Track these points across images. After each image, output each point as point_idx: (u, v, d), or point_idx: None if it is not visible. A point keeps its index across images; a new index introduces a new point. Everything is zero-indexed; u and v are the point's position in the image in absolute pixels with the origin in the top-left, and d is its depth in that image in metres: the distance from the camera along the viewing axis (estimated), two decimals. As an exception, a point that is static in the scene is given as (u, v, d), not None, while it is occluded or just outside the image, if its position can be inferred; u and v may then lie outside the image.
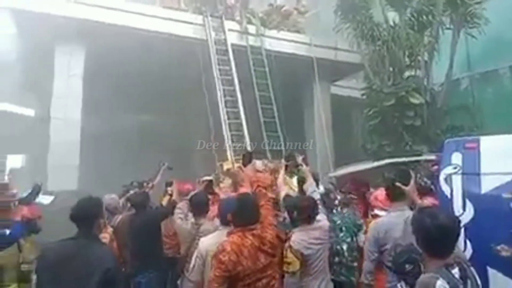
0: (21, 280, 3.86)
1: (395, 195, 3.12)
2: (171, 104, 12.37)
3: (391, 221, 3.11)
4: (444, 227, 1.88)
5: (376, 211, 3.91)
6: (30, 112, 14.27)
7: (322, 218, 3.46)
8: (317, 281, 3.23)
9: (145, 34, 8.99)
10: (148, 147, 12.02)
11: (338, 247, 3.94)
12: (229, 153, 8.40)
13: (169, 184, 4.65)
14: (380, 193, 3.99)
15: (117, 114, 12.86)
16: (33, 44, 9.12)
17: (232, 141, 8.64)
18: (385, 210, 3.74)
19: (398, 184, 3.14)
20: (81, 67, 9.09)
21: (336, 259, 3.91)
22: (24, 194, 5.11)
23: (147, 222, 4.09)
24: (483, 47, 10.35)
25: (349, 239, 3.99)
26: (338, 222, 4.06)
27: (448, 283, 1.74)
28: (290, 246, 3.16)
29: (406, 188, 3.03)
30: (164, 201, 4.50)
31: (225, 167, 6.19)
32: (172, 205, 4.27)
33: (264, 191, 2.96)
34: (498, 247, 3.24)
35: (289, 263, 3.13)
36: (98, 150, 12.10)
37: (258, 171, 4.21)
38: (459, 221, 2.06)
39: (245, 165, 3.24)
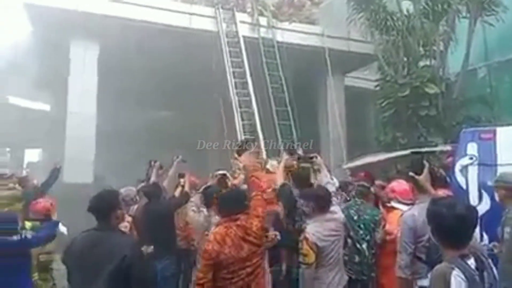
0: (41, 270, 3.98)
1: (419, 187, 3.03)
2: (184, 99, 12.45)
3: (424, 212, 3.06)
4: (462, 217, 1.84)
5: (393, 203, 3.82)
6: (45, 107, 14.54)
7: (337, 210, 3.43)
8: (332, 273, 3.23)
9: (158, 28, 9.04)
10: (162, 142, 12.14)
11: (358, 246, 3.78)
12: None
13: (182, 175, 4.70)
14: (397, 185, 3.91)
15: (131, 110, 13.02)
16: (48, 39, 9.27)
17: (244, 133, 8.66)
18: (403, 203, 3.69)
19: (411, 173, 3.06)
20: (96, 62, 9.20)
21: (357, 258, 3.76)
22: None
23: (161, 211, 4.18)
24: (501, 35, 10.06)
25: (368, 237, 3.82)
26: (355, 217, 3.85)
27: (464, 273, 1.72)
28: (306, 238, 3.15)
29: (419, 178, 2.97)
30: (177, 193, 4.55)
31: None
32: (185, 196, 4.35)
33: (257, 181, 2.98)
34: (491, 245, 3.21)
35: (305, 255, 3.14)
36: (112, 145, 12.29)
37: (268, 171, 4.26)
38: (477, 211, 2.00)
39: (239, 154, 3.20)
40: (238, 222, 2.70)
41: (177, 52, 9.55)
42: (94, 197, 2.56)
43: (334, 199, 3.54)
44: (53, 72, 10.63)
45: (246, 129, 8.77)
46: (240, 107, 8.92)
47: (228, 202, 2.82)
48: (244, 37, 9.77)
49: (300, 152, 4.37)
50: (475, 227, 1.95)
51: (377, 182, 4.92)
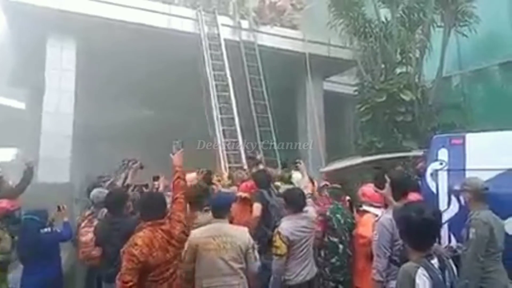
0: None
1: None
2: (166, 99, 12.37)
3: None
4: (429, 221, 2.01)
5: (365, 207, 3.90)
6: (20, 105, 14.17)
7: (310, 210, 3.75)
8: (302, 264, 3.55)
9: (138, 28, 8.96)
10: (142, 142, 12.02)
11: (339, 248, 4.03)
12: (220, 149, 8.44)
13: (156, 178, 4.61)
14: (367, 189, 4.00)
15: (110, 109, 12.83)
16: (24, 36, 9.06)
17: (225, 137, 8.68)
18: (374, 206, 3.80)
19: (374, 188, 3.35)
20: (73, 60, 9.04)
21: (335, 259, 4.02)
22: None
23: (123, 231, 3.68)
24: (474, 45, 10.45)
25: (343, 239, 4.08)
26: (342, 221, 4.11)
27: (428, 272, 1.86)
28: (279, 232, 3.48)
29: (382, 192, 3.13)
30: None
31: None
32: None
33: (182, 182, 3.07)
34: (454, 246, 3.35)
35: (277, 247, 3.46)
36: (91, 145, 12.08)
37: (243, 180, 4.51)
38: (441, 215, 2.16)
39: (249, 166, 3.38)
40: (163, 227, 2.78)
41: (157, 53, 9.50)
42: (109, 194, 3.73)
43: (309, 200, 3.87)
44: (29, 70, 10.39)
45: (227, 134, 8.79)
46: (221, 113, 8.94)
47: (151, 207, 2.86)
48: (225, 40, 9.79)
49: (259, 157, 4.78)
50: (439, 229, 2.08)
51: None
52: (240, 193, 4.37)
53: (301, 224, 3.57)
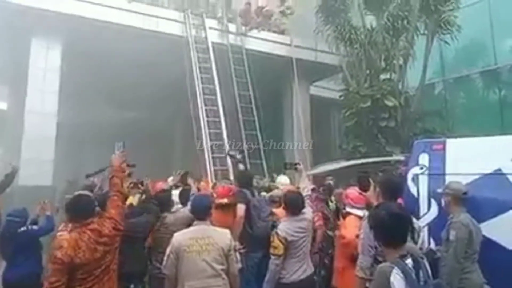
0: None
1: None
2: (153, 101, 12.30)
3: None
4: (396, 214, 2.15)
5: (348, 209, 3.97)
6: (2, 105, 13.88)
7: (307, 211, 3.87)
8: (300, 263, 3.65)
9: (124, 29, 8.92)
10: (128, 145, 11.91)
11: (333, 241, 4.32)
12: (206, 152, 8.44)
13: (140, 183, 4.51)
14: (351, 191, 4.08)
15: (95, 110, 12.70)
16: (7, 35, 8.92)
17: (211, 139, 8.69)
18: (356, 207, 3.88)
19: (358, 190, 3.33)
20: (58, 61, 8.93)
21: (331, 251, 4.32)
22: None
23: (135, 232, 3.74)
24: (456, 53, 10.77)
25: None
26: None
27: (402, 272, 1.94)
28: (277, 233, 3.59)
29: (366, 194, 3.20)
30: (134, 201, 4.39)
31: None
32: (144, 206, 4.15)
33: (117, 181, 3.10)
34: (434, 249, 3.44)
35: (275, 247, 3.57)
36: (74, 146, 11.91)
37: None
38: (408, 212, 2.35)
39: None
40: (91, 227, 2.78)
41: (144, 55, 9.46)
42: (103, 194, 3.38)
43: (307, 201, 4.04)
44: (12, 69, 10.22)
45: (213, 137, 8.80)
46: (208, 116, 8.95)
47: (76, 209, 2.85)
48: (213, 43, 9.82)
49: (238, 156, 4.89)
50: (409, 225, 2.22)
51: (337, 190, 5.18)
52: (220, 200, 4.35)
53: (299, 225, 3.67)
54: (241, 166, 5.63)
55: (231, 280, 3.18)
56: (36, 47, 8.81)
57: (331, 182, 5.85)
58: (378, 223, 2.18)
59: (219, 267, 3.11)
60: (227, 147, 8.47)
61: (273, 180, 6.22)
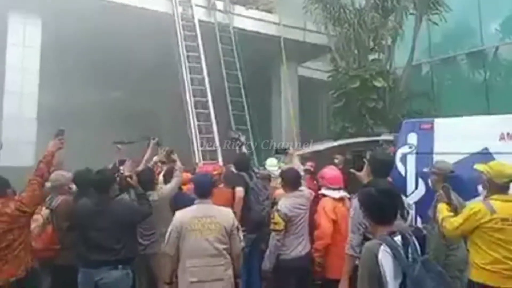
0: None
1: (359, 181, 3.27)
2: (138, 81, 12.01)
3: None
4: (386, 191, 2.15)
5: (323, 191, 3.91)
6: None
7: (304, 189, 3.93)
8: (299, 239, 3.71)
9: (108, 5, 8.61)
10: (111, 124, 11.68)
11: None
12: (193, 132, 8.34)
13: (122, 162, 4.32)
14: (327, 171, 4.04)
15: (78, 90, 12.33)
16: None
17: (198, 120, 8.57)
18: (332, 188, 3.84)
19: (352, 170, 3.41)
20: (38, 38, 8.60)
21: None
22: None
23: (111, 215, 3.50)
24: (444, 34, 10.75)
25: None
26: None
27: (390, 248, 1.93)
28: (278, 210, 3.65)
29: (360, 174, 3.20)
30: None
31: None
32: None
33: (43, 166, 3.19)
34: (421, 226, 3.49)
35: (275, 223, 3.63)
36: (57, 127, 11.60)
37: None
38: (397, 188, 2.40)
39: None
40: None
41: (129, 33, 9.14)
42: (96, 174, 3.48)
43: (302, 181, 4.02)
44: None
45: (200, 117, 8.68)
46: (195, 95, 8.80)
47: None
48: (200, 21, 9.59)
49: (242, 139, 5.44)
50: (399, 203, 2.25)
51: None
52: None
53: (298, 201, 3.72)
54: (244, 149, 5.55)
55: (234, 259, 3.21)
56: (14, 23, 8.46)
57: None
58: (368, 200, 2.17)
59: (221, 246, 3.12)
60: (214, 127, 8.38)
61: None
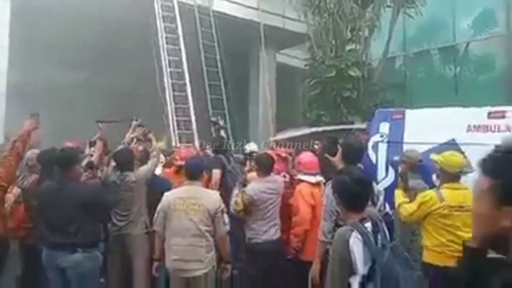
0: None
1: (332, 166, 3.33)
2: (114, 61, 11.68)
3: None
4: (359, 179, 2.21)
5: (300, 176, 3.96)
6: None
7: (277, 177, 3.95)
8: (269, 224, 3.73)
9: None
10: (85, 106, 11.37)
11: None
12: (170, 115, 8.27)
13: (93, 144, 4.30)
14: (303, 156, 4.10)
15: (50, 70, 11.89)
16: None
17: (175, 103, 8.50)
18: (308, 174, 3.88)
19: (326, 155, 3.46)
20: (7, 14, 8.20)
21: None
22: None
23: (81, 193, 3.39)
24: (419, 27, 11.02)
25: None
26: None
27: (361, 235, 2.00)
28: (243, 191, 3.69)
29: (334, 159, 3.27)
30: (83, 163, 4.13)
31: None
32: (90, 166, 3.95)
33: (19, 144, 3.33)
34: (390, 212, 3.69)
35: (235, 203, 3.67)
36: (26, 106, 11.18)
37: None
38: (370, 177, 2.47)
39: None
40: None
41: (104, 12, 8.88)
42: (57, 153, 3.31)
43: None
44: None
45: (177, 100, 8.59)
46: (172, 78, 8.69)
47: None
48: (179, 2, 9.40)
49: (221, 123, 5.49)
50: (370, 191, 2.33)
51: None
52: (180, 163, 4.35)
53: (268, 186, 3.74)
54: (222, 133, 5.59)
55: (218, 242, 3.27)
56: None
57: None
58: (341, 188, 2.23)
59: (204, 228, 3.18)
60: (191, 110, 8.33)
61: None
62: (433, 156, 3.31)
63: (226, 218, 3.31)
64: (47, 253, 3.21)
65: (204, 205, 3.20)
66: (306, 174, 3.89)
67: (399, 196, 3.34)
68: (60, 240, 3.13)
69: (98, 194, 3.46)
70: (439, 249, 3.03)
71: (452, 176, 3.12)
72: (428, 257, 3.13)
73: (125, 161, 3.95)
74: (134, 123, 4.49)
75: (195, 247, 3.15)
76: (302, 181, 3.89)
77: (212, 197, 3.31)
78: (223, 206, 3.32)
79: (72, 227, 3.14)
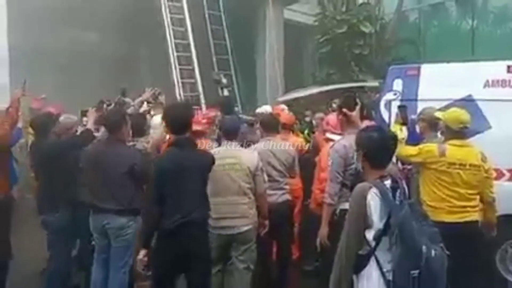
0: None
1: (350, 122, 3.21)
2: (116, 21, 11.35)
3: (352, 143, 3.22)
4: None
5: (328, 135, 3.94)
6: None
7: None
8: (270, 189, 3.61)
9: None
10: (91, 69, 11.20)
11: None
12: (175, 76, 8.08)
13: (84, 113, 4.26)
14: (332, 117, 4.01)
15: (53, 31, 11.62)
16: None
17: (180, 64, 8.27)
18: (336, 133, 3.81)
19: (344, 110, 3.25)
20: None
21: None
22: None
23: (47, 150, 3.63)
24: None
25: None
26: None
27: (380, 191, 1.99)
28: None
29: (352, 114, 3.15)
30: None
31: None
32: (86, 137, 3.78)
33: (11, 110, 3.69)
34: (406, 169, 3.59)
35: None
36: (31, 69, 11.06)
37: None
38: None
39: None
40: None
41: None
42: (107, 114, 3.54)
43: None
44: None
45: (182, 61, 8.36)
46: (175, 37, 8.39)
47: None
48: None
49: (224, 81, 4.85)
50: (395, 149, 2.23)
51: (317, 115, 5.18)
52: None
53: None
54: (226, 92, 5.45)
55: (258, 200, 3.32)
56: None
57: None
58: (369, 144, 2.15)
59: (245, 185, 3.24)
60: (197, 72, 8.12)
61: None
62: (437, 113, 3.25)
63: (265, 176, 3.38)
64: (94, 216, 3.24)
65: (244, 164, 3.25)
66: (334, 133, 3.85)
67: (396, 131, 3.23)
68: (108, 206, 3.15)
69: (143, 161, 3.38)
70: (437, 204, 3.02)
71: (456, 133, 3.07)
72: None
73: (137, 126, 3.72)
74: (149, 90, 4.40)
75: (237, 205, 3.22)
76: (330, 140, 3.84)
77: (251, 156, 3.36)
78: (261, 164, 3.35)
79: (121, 192, 3.16)
